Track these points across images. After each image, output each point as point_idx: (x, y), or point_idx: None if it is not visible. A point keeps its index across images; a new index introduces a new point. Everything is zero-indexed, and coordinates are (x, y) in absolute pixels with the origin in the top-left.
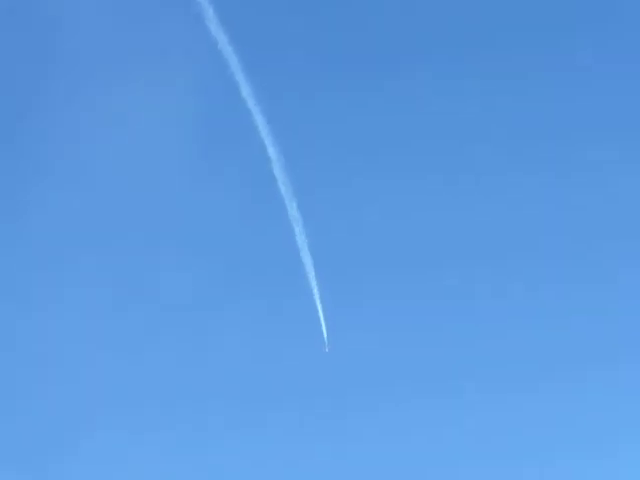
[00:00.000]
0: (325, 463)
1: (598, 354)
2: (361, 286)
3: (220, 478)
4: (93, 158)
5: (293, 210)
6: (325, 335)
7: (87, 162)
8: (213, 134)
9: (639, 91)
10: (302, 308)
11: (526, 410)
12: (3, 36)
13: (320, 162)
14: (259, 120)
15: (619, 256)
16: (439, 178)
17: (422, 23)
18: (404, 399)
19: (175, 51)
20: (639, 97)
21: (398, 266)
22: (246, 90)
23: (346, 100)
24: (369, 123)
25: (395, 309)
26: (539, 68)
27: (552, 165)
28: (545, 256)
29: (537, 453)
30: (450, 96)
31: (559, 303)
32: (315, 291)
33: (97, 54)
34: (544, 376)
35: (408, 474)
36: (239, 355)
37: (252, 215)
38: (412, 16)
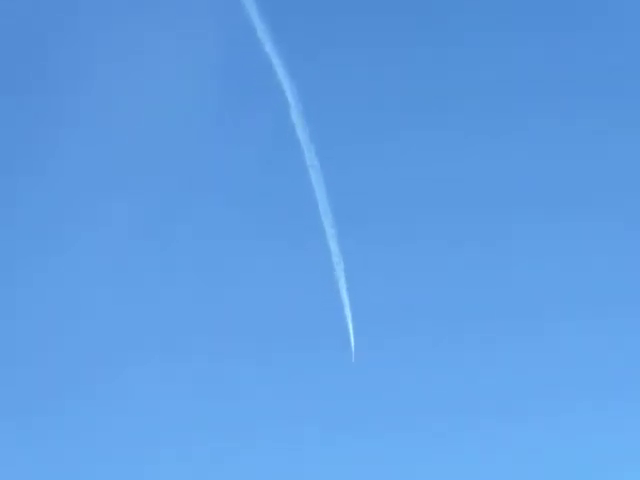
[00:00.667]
0: (335, 401)
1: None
2: (381, 235)
3: (231, 415)
4: (111, 106)
5: (311, 156)
6: (353, 344)
7: (104, 109)
8: (232, 81)
9: None
10: (318, 252)
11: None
12: None
13: (340, 109)
14: (277, 65)
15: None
16: (464, 126)
17: None
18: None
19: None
20: None
21: (419, 214)
22: (265, 36)
23: (371, 48)
24: (393, 71)
25: (418, 251)
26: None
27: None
28: (569, 201)
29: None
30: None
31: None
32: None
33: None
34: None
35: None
36: (254, 294)
37: (270, 160)
38: None
